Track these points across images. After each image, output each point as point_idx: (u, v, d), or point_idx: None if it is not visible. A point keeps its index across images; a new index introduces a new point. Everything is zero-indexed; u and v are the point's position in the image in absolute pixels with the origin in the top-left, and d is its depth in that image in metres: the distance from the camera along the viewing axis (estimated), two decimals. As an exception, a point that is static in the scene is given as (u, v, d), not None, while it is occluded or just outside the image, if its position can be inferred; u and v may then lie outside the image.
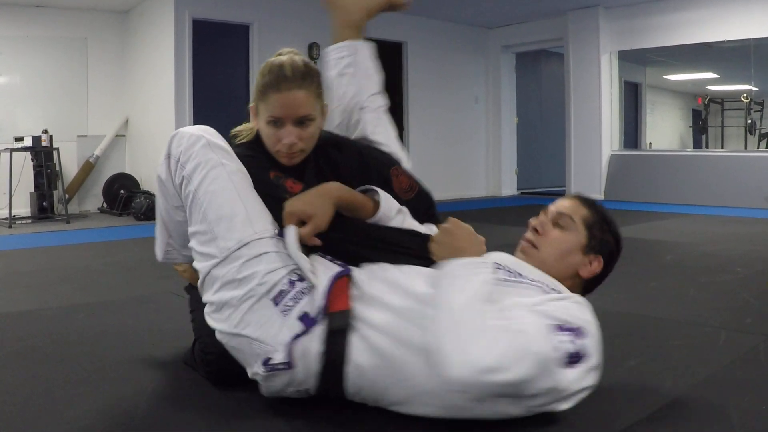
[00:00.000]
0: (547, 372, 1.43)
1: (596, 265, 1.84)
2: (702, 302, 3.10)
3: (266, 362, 1.63)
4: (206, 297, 1.76)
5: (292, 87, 1.83)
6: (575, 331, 1.50)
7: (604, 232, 1.85)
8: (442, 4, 9.29)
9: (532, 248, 1.86)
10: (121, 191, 7.88)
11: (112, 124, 8.46)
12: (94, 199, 8.39)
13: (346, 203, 1.82)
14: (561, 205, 1.90)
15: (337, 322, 1.61)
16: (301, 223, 1.74)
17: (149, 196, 7.34)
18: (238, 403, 1.79)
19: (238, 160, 1.83)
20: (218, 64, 8.15)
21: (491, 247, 1.78)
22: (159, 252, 2.08)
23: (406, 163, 2.14)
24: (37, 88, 8.09)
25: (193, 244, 1.78)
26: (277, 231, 1.76)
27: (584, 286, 1.87)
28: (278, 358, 1.62)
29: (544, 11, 9.71)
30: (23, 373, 2.13)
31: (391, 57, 9.88)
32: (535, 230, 1.88)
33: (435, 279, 1.58)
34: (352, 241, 1.80)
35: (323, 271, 1.71)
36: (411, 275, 1.67)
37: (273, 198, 1.81)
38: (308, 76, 1.86)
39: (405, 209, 1.96)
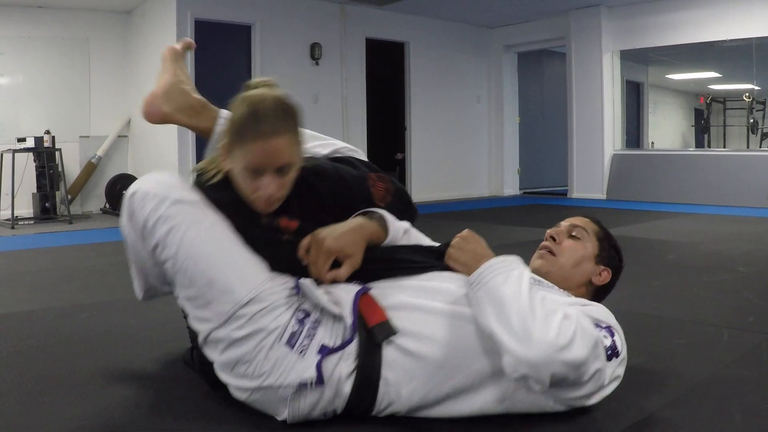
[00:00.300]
0: (599, 356, 1.51)
1: (606, 275, 1.95)
2: (704, 301, 3.10)
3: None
4: (212, 357, 1.68)
5: (274, 134, 1.63)
6: (607, 328, 1.62)
7: (611, 247, 1.99)
8: (444, 4, 9.30)
9: (550, 254, 1.93)
10: (124, 192, 7.84)
11: (115, 125, 8.47)
12: (96, 200, 8.40)
13: (372, 239, 1.79)
14: (573, 220, 2.01)
15: (383, 333, 1.59)
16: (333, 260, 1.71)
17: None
18: (236, 405, 1.79)
19: (211, 209, 1.73)
20: (220, 64, 8.15)
21: (494, 247, 1.77)
22: (139, 292, 1.98)
23: (363, 156, 2.06)
24: (40, 88, 8.10)
25: (184, 305, 1.71)
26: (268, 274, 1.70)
27: (594, 295, 1.96)
28: (307, 375, 1.57)
29: (546, 11, 9.71)
30: (26, 372, 2.13)
31: (393, 57, 9.90)
32: (553, 239, 1.96)
33: (479, 276, 1.58)
34: (370, 263, 1.76)
35: (344, 292, 1.69)
36: (438, 279, 1.70)
37: (271, 243, 1.73)
38: (289, 118, 1.69)
39: (411, 228, 1.95)
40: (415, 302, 1.63)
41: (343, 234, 1.71)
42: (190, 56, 7.67)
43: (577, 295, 1.84)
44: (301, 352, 1.59)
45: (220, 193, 1.76)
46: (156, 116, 2.00)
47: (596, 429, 1.54)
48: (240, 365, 1.61)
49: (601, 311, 1.67)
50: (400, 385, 1.58)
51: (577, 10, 9.53)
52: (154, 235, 1.68)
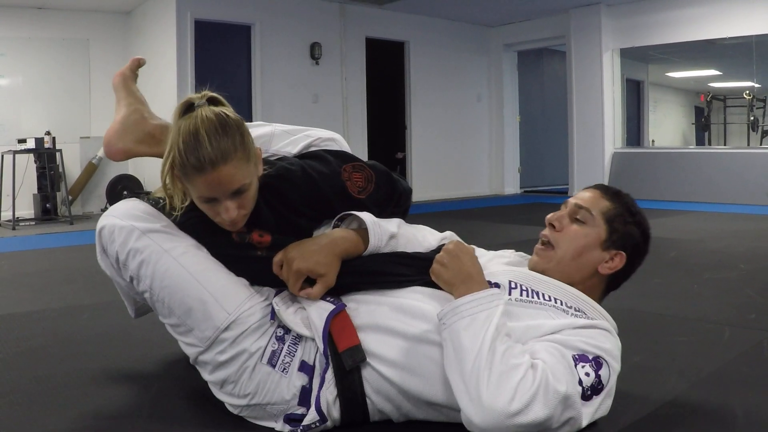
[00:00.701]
0: (571, 406, 1.41)
1: (618, 261, 1.70)
2: (706, 299, 3.10)
3: (290, 419, 1.60)
4: (204, 376, 1.71)
5: (216, 165, 1.52)
6: (593, 361, 1.48)
7: (627, 224, 1.72)
8: (444, 3, 9.30)
9: (548, 249, 1.73)
10: (125, 192, 7.89)
11: (115, 126, 8.46)
12: (97, 201, 8.40)
13: (347, 253, 1.70)
14: (580, 197, 1.77)
15: (350, 359, 1.56)
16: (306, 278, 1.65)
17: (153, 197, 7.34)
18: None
19: (182, 235, 1.69)
20: (220, 64, 8.16)
21: (495, 245, 1.76)
22: (131, 312, 2.03)
23: (341, 143, 1.96)
24: (40, 89, 8.10)
25: (170, 330, 1.73)
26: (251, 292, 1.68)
27: (607, 283, 1.76)
28: (309, 418, 1.55)
29: (546, 9, 9.70)
30: (28, 373, 2.13)
31: (393, 56, 9.90)
32: (552, 226, 1.75)
33: (445, 315, 1.49)
34: (348, 275, 1.69)
35: (316, 314, 1.62)
36: (419, 297, 1.62)
37: (246, 260, 1.69)
38: (229, 141, 1.55)
39: (401, 229, 1.82)
40: (389, 325, 1.58)
41: (314, 253, 1.64)
42: (189, 57, 7.68)
43: (584, 290, 1.66)
44: (283, 370, 1.60)
45: (187, 214, 1.69)
46: (117, 154, 1.96)
47: (597, 427, 1.54)
48: (227, 385, 1.65)
49: (593, 334, 1.52)
50: (384, 403, 1.59)
51: (577, 9, 9.52)
52: (127, 269, 1.69)
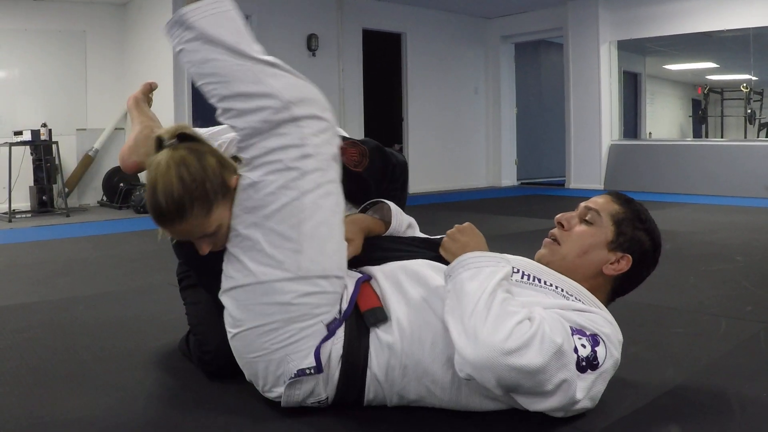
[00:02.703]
0: (565, 365, 1.41)
1: (623, 264, 1.71)
2: (702, 290, 3.11)
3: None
4: (244, 304, 1.59)
5: (175, 224, 1.58)
6: (590, 336, 1.50)
7: (636, 230, 1.73)
8: (440, -5, 9.28)
9: (554, 244, 1.76)
10: (121, 184, 7.87)
11: (111, 117, 8.44)
12: (93, 193, 8.38)
13: (370, 230, 1.86)
14: (591, 200, 1.80)
15: (373, 318, 1.60)
16: None
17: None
18: (234, 395, 1.79)
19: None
20: (217, 56, 8.14)
21: (493, 237, 1.78)
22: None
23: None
24: (36, 81, 8.07)
25: (249, 231, 1.57)
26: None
27: (613, 287, 1.77)
28: (306, 363, 1.56)
29: (544, 1, 9.68)
30: (24, 364, 2.13)
31: (390, 48, 9.88)
32: (561, 225, 1.78)
33: (452, 269, 1.55)
34: (368, 251, 1.81)
35: (349, 279, 1.69)
36: (426, 265, 1.69)
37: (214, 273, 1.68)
38: (188, 197, 1.55)
39: (413, 223, 1.98)
40: (405, 289, 1.65)
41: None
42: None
43: (589, 288, 1.69)
44: (328, 337, 1.59)
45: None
46: (130, 168, 2.06)
47: (594, 417, 1.54)
48: (271, 331, 1.56)
49: (593, 317, 1.55)
50: (381, 376, 1.59)
51: (575, 1, 9.50)
52: (301, 158, 1.55)
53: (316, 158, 1.57)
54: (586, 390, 1.48)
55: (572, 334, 1.47)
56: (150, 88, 2.21)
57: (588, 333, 1.50)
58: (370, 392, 1.62)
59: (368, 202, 1.95)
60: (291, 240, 1.54)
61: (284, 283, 1.54)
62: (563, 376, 1.42)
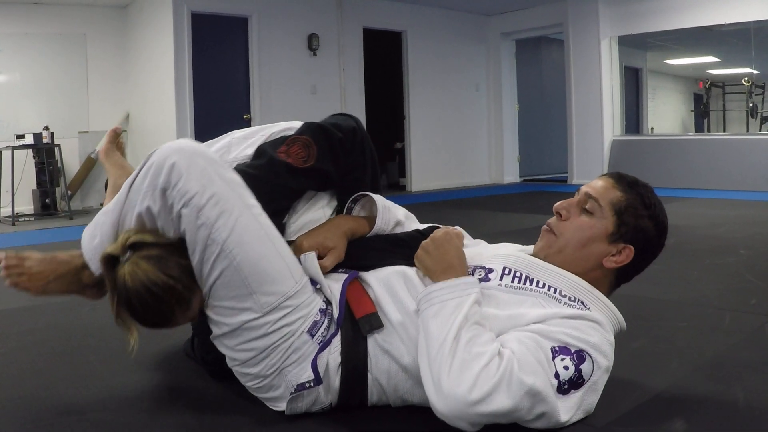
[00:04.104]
0: (542, 400, 1.38)
1: (625, 255, 1.63)
2: (706, 284, 3.10)
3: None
4: (230, 351, 1.62)
5: (165, 328, 1.69)
6: (574, 354, 1.44)
7: (639, 218, 1.63)
8: (440, -7, 9.27)
9: (551, 234, 1.68)
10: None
11: (113, 120, 8.45)
12: (96, 195, 8.39)
13: (353, 232, 1.80)
14: (592, 185, 1.68)
15: (368, 325, 1.59)
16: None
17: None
18: (238, 396, 1.79)
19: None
20: (217, 56, 8.14)
21: (495, 234, 1.77)
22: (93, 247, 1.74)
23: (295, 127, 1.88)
24: (38, 85, 8.08)
25: (215, 300, 1.58)
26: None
27: (616, 276, 1.69)
28: (304, 377, 1.57)
29: (544, -3, 9.68)
30: (29, 366, 2.13)
31: (391, 46, 9.88)
32: (559, 215, 1.68)
33: (419, 302, 1.53)
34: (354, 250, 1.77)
35: (332, 281, 1.67)
36: (403, 283, 1.64)
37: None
38: (164, 305, 1.59)
39: (410, 216, 1.94)
40: (395, 289, 1.63)
41: (321, 231, 1.75)
42: (187, 49, 7.67)
43: (590, 281, 1.61)
44: (320, 342, 1.59)
45: None
46: None
47: (598, 412, 1.54)
48: (259, 356, 1.57)
49: (580, 325, 1.48)
50: (383, 380, 1.59)
51: (575, -4, 9.50)
52: (199, 215, 1.51)
53: (216, 206, 1.52)
54: (573, 408, 1.44)
55: (553, 358, 1.42)
56: (115, 135, 2.16)
57: (572, 350, 1.44)
58: (374, 395, 1.62)
59: (354, 196, 1.87)
60: (239, 286, 1.54)
61: (256, 321, 1.55)
62: (540, 410, 1.39)
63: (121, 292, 1.57)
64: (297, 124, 1.87)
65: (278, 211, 1.75)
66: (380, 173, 1.99)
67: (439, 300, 1.48)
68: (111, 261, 1.59)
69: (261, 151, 1.80)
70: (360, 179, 1.88)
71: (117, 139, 2.17)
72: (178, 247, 1.60)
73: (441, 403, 1.35)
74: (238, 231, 1.52)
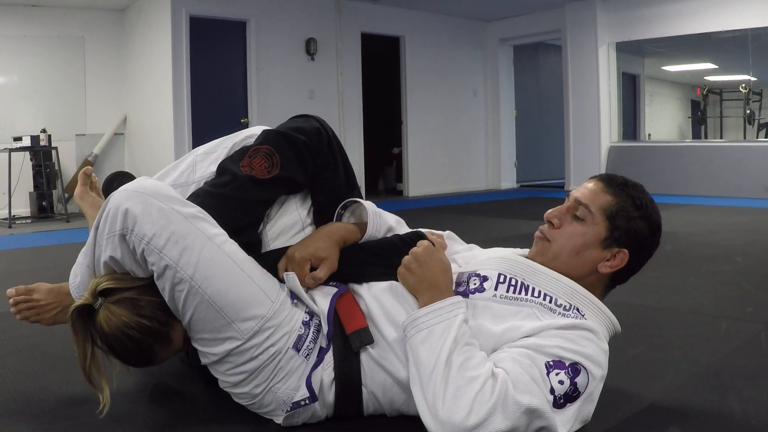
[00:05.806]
0: (540, 416, 1.37)
1: (620, 259, 1.60)
2: (702, 292, 3.10)
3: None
4: (221, 375, 1.62)
5: (151, 365, 1.75)
6: (569, 368, 1.42)
7: (631, 220, 1.60)
8: (439, -2, 9.29)
9: (544, 240, 1.65)
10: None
11: (111, 122, 8.45)
12: (93, 198, 8.37)
13: (345, 240, 1.76)
14: (581, 190, 1.65)
15: (359, 341, 1.57)
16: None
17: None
18: (232, 402, 1.78)
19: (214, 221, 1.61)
20: (215, 60, 8.15)
21: (492, 240, 1.76)
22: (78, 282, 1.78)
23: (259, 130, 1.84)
24: (35, 87, 8.08)
25: (197, 333, 1.58)
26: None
27: (611, 279, 1.66)
28: (299, 395, 1.57)
29: (542, 3, 9.70)
30: (24, 370, 2.13)
31: (389, 51, 9.89)
32: (551, 224, 1.66)
33: (405, 328, 1.50)
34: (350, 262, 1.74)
35: (321, 295, 1.66)
36: (395, 299, 1.63)
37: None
38: (150, 353, 1.65)
39: (400, 221, 1.89)
40: (386, 306, 1.61)
41: (312, 241, 1.70)
42: (185, 53, 7.67)
43: (584, 285, 1.59)
44: (306, 355, 1.58)
45: None
46: None
47: (594, 420, 1.53)
48: (250, 377, 1.58)
49: (574, 336, 1.46)
50: (379, 394, 1.59)
51: (573, 2, 9.52)
52: (161, 257, 1.51)
53: (176, 245, 1.51)
54: (571, 420, 1.43)
55: (548, 373, 1.40)
56: (86, 176, 2.20)
57: (567, 364, 1.42)
58: (369, 407, 1.61)
59: (344, 203, 1.84)
60: (215, 318, 1.53)
61: (241, 347, 1.55)
62: (538, 425, 1.38)
63: (101, 337, 1.60)
64: (258, 131, 1.83)
65: (252, 223, 1.73)
66: (353, 169, 1.93)
67: (426, 325, 1.46)
68: (84, 311, 1.60)
69: (223, 169, 1.75)
70: (333, 178, 1.83)
71: (90, 180, 2.21)
72: (150, 285, 1.60)
73: (439, 431, 1.34)
74: (203, 265, 1.51)
